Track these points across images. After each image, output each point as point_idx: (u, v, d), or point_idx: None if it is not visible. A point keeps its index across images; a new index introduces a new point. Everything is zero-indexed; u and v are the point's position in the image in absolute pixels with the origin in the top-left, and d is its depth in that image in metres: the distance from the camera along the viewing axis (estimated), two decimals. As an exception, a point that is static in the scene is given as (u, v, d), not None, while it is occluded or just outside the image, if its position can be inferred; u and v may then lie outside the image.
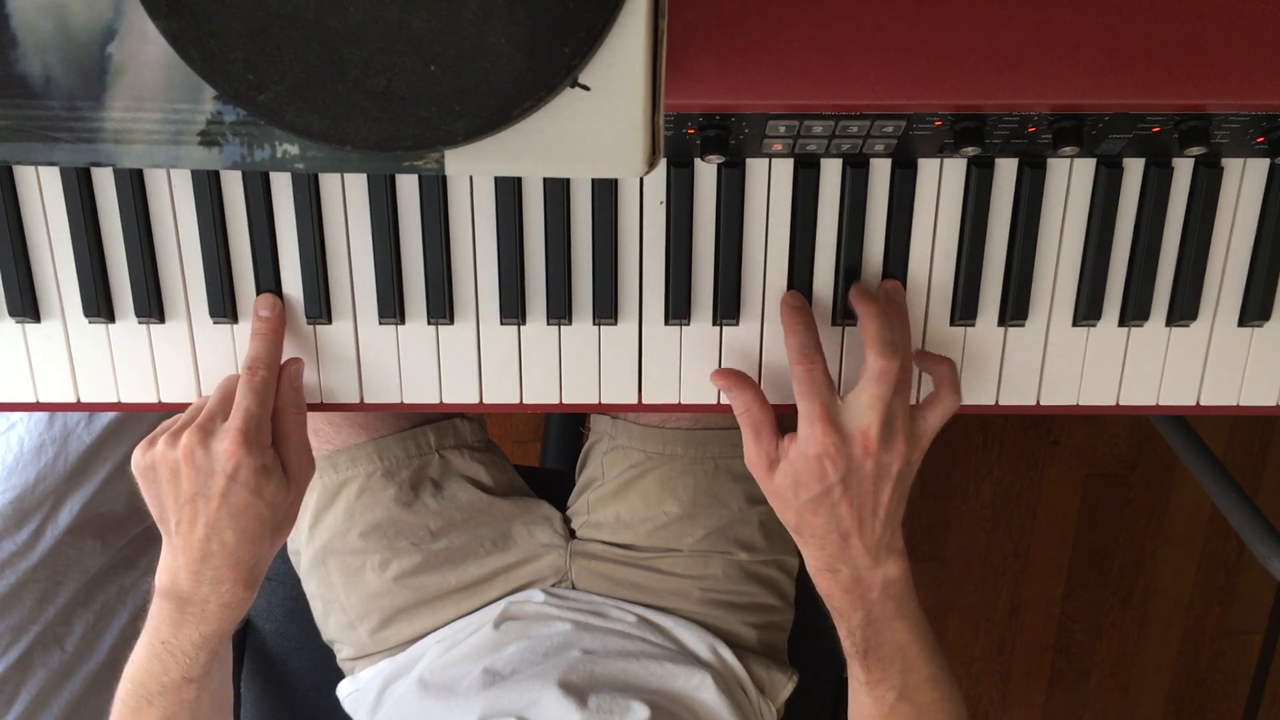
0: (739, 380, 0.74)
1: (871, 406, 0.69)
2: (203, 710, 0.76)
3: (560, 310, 0.75)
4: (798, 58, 0.63)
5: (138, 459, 0.72)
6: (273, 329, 0.74)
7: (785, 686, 0.97)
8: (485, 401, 0.78)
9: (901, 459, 0.70)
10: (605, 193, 0.73)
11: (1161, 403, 0.79)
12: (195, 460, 0.69)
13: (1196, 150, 0.69)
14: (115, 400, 0.77)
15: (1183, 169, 0.73)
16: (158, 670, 0.74)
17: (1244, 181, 0.74)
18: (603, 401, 0.79)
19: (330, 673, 1.02)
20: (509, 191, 0.73)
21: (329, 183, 0.73)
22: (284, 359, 0.75)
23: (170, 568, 0.72)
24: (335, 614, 0.98)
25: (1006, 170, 0.73)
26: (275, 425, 0.73)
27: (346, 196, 0.73)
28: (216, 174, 0.72)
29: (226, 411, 0.71)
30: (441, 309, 0.75)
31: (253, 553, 0.72)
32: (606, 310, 0.75)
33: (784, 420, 0.74)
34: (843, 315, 0.77)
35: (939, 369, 0.74)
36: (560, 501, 1.02)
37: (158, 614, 0.73)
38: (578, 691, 0.84)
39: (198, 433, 0.70)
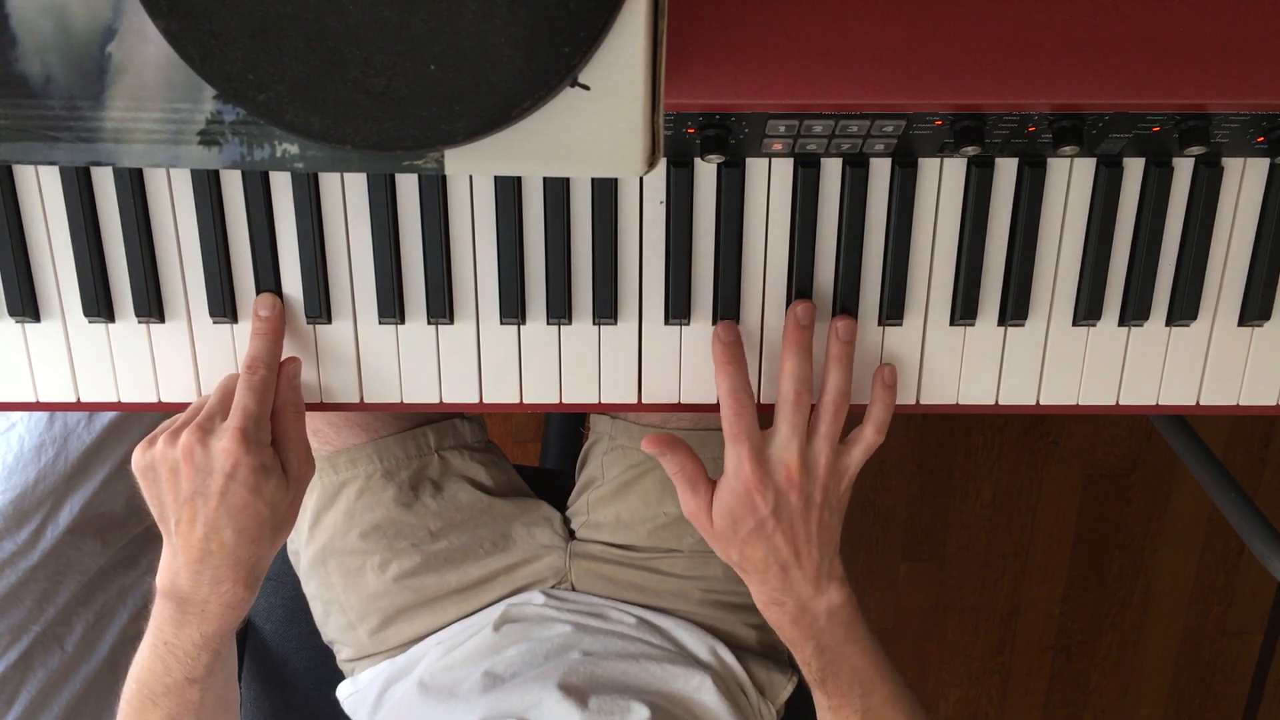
0: (669, 443, 0.75)
1: (791, 438, 0.72)
2: (207, 710, 0.75)
3: (560, 310, 0.75)
4: (798, 58, 0.63)
5: (137, 458, 0.72)
6: (272, 328, 0.74)
7: (785, 688, 0.97)
8: (485, 401, 0.78)
9: (824, 489, 0.73)
10: (605, 193, 0.73)
11: (1161, 403, 0.79)
12: (194, 459, 0.69)
13: (1196, 150, 0.69)
14: (115, 400, 0.77)
15: (1183, 169, 0.73)
16: (160, 671, 0.74)
17: (1244, 181, 0.74)
18: (602, 401, 0.78)
19: (330, 673, 1.02)
20: (509, 191, 0.73)
21: (329, 182, 0.73)
22: (283, 358, 0.75)
23: (170, 568, 0.72)
24: (335, 615, 0.98)
25: (1006, 170, 0.73)
26: (274, 424, 0.73)
27: (346, 196, 0.73)
28: (216, 174, 0.72)
29: (226, 410, 0.71)
30: (441, 309, 0.75)
31: (252, 552, 0.72)
32: (606, 310, 0.75)
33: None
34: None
35: (873, 406, 0.76)
36: (560, 501, 1.02)
37: (159, 614, 0.73)
38: (578, 693, 0.84)
39: (197, 431, 0.70)
